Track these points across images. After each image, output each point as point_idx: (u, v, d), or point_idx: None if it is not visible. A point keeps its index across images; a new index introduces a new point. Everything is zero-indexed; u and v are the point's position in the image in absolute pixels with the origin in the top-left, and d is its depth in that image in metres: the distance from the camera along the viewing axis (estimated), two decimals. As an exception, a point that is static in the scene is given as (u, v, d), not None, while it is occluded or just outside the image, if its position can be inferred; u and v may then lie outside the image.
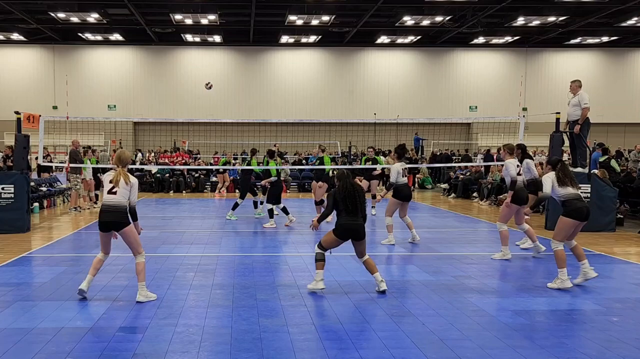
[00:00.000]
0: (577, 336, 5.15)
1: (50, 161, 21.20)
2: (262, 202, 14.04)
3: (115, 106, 32.35)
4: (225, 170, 20.04)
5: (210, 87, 15.35)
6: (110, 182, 6.16)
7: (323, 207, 12.57)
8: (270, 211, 12.06)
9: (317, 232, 8.99)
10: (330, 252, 6.75)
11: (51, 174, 18.33)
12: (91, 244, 10.28)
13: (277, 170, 12.33)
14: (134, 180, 6.26)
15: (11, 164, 16.23)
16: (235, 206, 13.02)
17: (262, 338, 4.98)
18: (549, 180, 7.10)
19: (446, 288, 6.83)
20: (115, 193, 6.11)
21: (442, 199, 19.67)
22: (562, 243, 6.90)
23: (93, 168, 15.63)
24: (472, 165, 20.37)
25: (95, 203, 15.78)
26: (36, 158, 15.38)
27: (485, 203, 17.56)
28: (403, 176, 9.96)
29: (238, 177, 22.25)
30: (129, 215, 6.17)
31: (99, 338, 4.98)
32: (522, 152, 9.45)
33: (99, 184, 16.63)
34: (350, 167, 21.56)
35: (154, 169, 22.21)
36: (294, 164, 25.34)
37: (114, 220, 6.10)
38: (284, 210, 12.20)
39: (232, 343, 4.88)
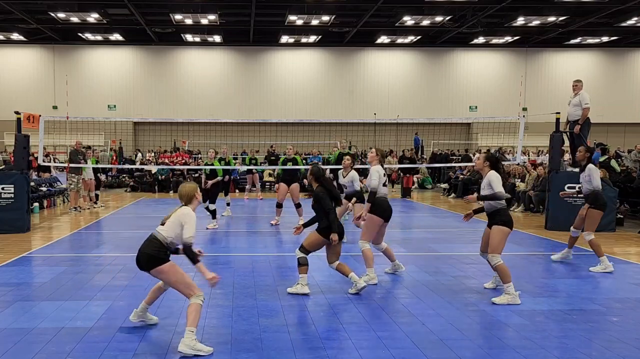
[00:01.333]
0: (577, 336, 5.15)
1: (50, 161, 21.19)
2: (228, 204, 13.94)
3: (115, 106, 32.34)
4: (256, 170, 19.17)
5: None
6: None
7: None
8: (213, 212, 11.98)
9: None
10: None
11: (51, 174, 18.34)
12: (91, 244, 10.28)
13: (222, 170, 12.28)
14: (185, 211, 4.88)
15: None
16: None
17: (262, 338, 4.98)
18: (498, 179, 6.21)
19: (446, 288, 6.83)
20: (163, 224, 4.95)
21: (442, 199, 19.67)
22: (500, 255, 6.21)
23: (93, 168, 15.63)
24: (467, 165, 20.37)
25: (95, 203, 15.78)
26: (35, 158, 15.38)
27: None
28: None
29: (238, 178, 22.36)
30: (167, 251, 4.88)
31: (99, 338, 4.98)
32: (588, 158, 8.14)
33: (99, 184, 16.65)
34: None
35: (154, 169, 22.22)
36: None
37: (144, 251, 4.82)
38: (213, 212, 12.03)
39: (232, 343, 4.88)
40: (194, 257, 4.78)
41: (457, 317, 5.66)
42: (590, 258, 8.83)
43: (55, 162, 22.75)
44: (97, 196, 16.16)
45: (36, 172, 17.18)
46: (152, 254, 4.79)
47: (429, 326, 5.37)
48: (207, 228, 11.73)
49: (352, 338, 5.00)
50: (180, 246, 4.88)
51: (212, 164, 12.25)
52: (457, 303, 6.17)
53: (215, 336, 5.08)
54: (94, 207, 15.54)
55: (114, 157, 26.48)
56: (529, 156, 25.15)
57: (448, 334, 5.13)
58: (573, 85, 11.89)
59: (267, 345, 4.82)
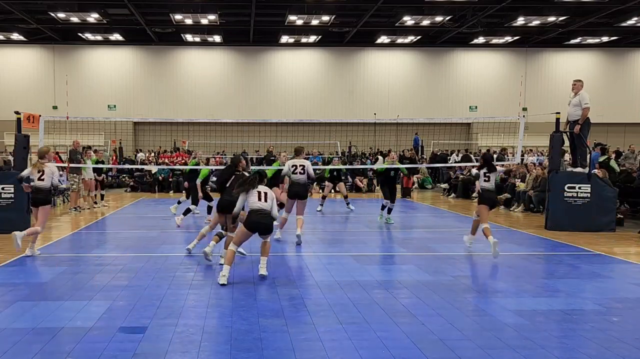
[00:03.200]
0: (577, 336, 5.15)
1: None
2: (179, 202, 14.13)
3: (115, 106, 32.33)
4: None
5: None
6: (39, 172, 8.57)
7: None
8: (188, 210, 12.58)
9: (316, 233, 9.06)
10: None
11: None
12: (91, 244, 10.28)
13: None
14: (52, 166, 8.88)
15: None
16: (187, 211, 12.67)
17: (262, 338, 4.98)
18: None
19: (446, 288, 6.83)
20: (40, 179, 8.58)
21: (442, 199, 19.67)
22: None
23: (94, 168, 15.62)
24: (467, 165, 20.39)
25: (96, 203, 15.77)
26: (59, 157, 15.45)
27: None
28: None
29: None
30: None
31: (99, 338, 4.98)
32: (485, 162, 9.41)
33: (102, 184, 16.64)
34: (351, 167, 21.55)
35: (154, 169, 22.21)
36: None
37: (41, 197, 8.55)
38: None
39: (232, 343, 4.88)
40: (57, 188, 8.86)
41: (457, 317, 5.66)
42: (589, 258, 8.84)
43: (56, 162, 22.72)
44: (102, 196, 16.18)
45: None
46: (47, 198, 8.64)
47: (429, 326, 5.37)
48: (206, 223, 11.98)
49: (352, 338, 5.00)
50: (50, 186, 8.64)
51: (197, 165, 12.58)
52: (457, 303, 6.17)
53: (215, 336, 5.08)
54: (94, 208, 15.52)
55: (114, 158, 26.46)
56: (533, 155, 25.11)
57: (448, 334, 5.13)
58: (572, 85, 11.90)
59: (267, 345, 4.82)
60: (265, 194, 7.14)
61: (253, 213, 7.03)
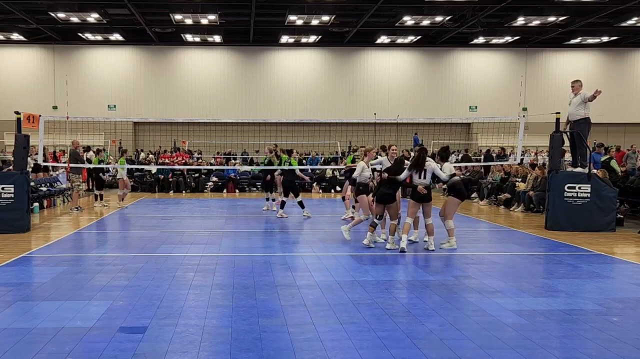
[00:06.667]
0: (577, 336, 5.15)
1: (46, 161, 21.18)
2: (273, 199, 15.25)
3: (115, 106, 32.34)
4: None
5: None
6: None
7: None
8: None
9: (316, 233, 9.08)
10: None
11: (50, 174, 18.30)
12: (91, 244, 10.28)
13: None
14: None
15: None
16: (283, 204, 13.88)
17: (262, 338, 4.98)
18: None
19: (446, 288, 6.83)
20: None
21: (442, 199, 19.62)
22: None
23: (95, 168, 15.63)
24: (467, 165, 20.37)
25: (97, 199, 15.80)
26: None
27: (485, 203, 17.56)
28: None
29: (238, 178, 22.39)
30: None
31: (99, 338, 4.98)
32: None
33: (102, 184, 16.67)
34: (350, 167, 21.51)
35: (153, 169, 22.21)
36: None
37: None
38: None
39: (232, 343, 4.88)
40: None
41: (457, 317, 5.66)
42: (589, 258, 8.84)
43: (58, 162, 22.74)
44: (101, 196, 16.19)
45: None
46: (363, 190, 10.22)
47: (429, 326, 5.37)
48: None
49: (352, 338, 5.00)
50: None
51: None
52: (457, 303, 6.17)
53: (215, 336, 5.08)
54: (95, 207, 15.53)
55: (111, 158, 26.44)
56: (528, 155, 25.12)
57: (448, 334, 5.12)
58: (571, 86, 11.92)
59: (267, 345, 4.82)
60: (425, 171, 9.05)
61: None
